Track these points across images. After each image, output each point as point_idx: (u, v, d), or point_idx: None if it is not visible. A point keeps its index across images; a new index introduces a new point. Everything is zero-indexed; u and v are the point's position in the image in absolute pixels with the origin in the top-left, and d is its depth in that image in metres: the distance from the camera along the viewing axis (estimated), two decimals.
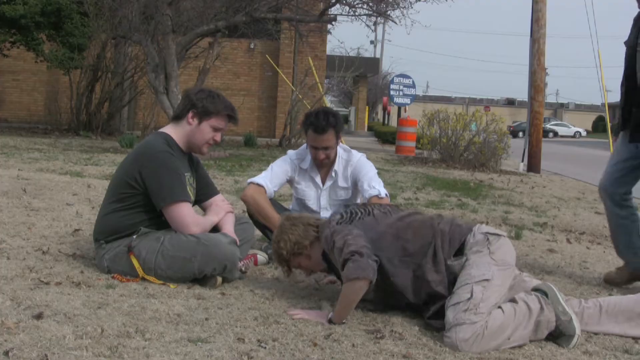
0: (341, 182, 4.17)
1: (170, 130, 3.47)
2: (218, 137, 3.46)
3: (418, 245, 2.94)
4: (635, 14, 3.81)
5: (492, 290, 2.75)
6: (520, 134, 42.89)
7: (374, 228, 3.01)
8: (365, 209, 3.14)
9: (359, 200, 4.19)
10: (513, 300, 2.81)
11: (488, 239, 2.90)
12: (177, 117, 3.47)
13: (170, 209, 3.30)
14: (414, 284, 2.93)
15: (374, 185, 4.02)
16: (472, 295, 2.71)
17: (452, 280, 2.88)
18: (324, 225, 3.14)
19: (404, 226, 3.01)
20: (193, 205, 3.50)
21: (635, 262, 3.88)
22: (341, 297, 2.87)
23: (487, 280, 2.76)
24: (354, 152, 4.24)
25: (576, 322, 2.76)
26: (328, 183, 4.17)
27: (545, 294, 2.86)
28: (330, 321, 2.85)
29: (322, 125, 3.91)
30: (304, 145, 4.22)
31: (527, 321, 2.74)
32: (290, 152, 4.27)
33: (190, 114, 3.41)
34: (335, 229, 3.00)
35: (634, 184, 3.88)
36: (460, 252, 2.92)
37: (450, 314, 2.71)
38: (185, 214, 3.30)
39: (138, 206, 3.34)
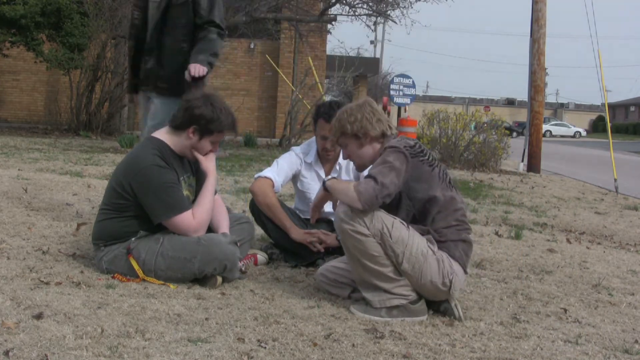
0: (344, 176, 4.19)
1: (166, 136, 3.40)
2: (215, 148, 3.45)
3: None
4: None
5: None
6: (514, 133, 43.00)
7: (422, 178, 3.07)
8: (431, 155, 3.16)
9: None
10: None
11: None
12: (177, 128, 3.38)
13: (168, 223, 3.30)
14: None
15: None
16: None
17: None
18: (391, 138, 3.19)
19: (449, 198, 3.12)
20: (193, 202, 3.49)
21: None
22: (342, 185, 3.07)
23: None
24: None
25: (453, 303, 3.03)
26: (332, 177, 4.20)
27: None
28: (324, 185, 3.17)
29: (333, 115, 3.97)
30: (308, 141, 4.27)
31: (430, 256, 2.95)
32: (295, 147, 4.32)
33: (191, 129, 3.33)
34: (394, 151, 3.04)
35: None
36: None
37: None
38: (186, 224, 3.29)
39: (133, 214, 3.33)
